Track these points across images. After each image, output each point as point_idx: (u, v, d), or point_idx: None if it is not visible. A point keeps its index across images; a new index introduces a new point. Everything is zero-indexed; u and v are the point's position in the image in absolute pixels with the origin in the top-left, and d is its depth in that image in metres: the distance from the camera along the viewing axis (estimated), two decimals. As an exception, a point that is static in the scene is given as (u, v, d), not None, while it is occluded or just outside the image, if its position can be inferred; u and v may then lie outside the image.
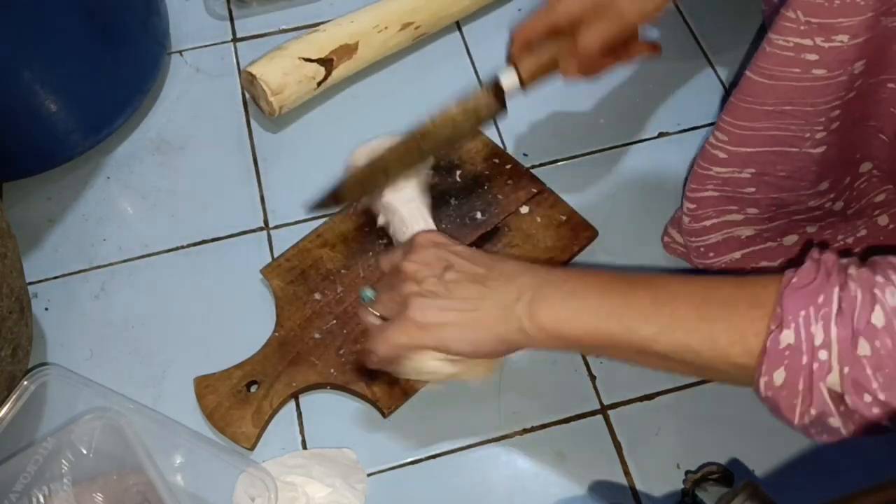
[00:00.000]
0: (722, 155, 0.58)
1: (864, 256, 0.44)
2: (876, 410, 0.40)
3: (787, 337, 0.41)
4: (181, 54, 0.83)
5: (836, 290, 0.41)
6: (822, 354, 0.41)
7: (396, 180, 0.64)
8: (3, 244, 0.57)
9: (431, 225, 0.63)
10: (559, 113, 0.78)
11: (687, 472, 0.58)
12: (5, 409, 0.59)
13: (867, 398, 0.40)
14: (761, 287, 0.44)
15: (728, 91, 0.79)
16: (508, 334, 0.50)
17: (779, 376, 0.42)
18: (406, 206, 0.63)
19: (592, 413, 0.62)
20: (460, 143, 0.67)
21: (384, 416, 0.61)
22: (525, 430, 0.61)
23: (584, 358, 0.64)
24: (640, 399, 0.62)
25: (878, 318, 0.40)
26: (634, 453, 0.60)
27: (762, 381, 0.43)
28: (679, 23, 0.84)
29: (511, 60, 0.66)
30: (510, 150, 0.75)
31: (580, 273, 0.51)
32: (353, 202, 0.67)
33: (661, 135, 0.76)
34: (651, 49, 0.68)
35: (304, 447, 0.61)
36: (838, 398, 0.41)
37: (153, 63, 0.78)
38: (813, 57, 0.50)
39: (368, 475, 0.60)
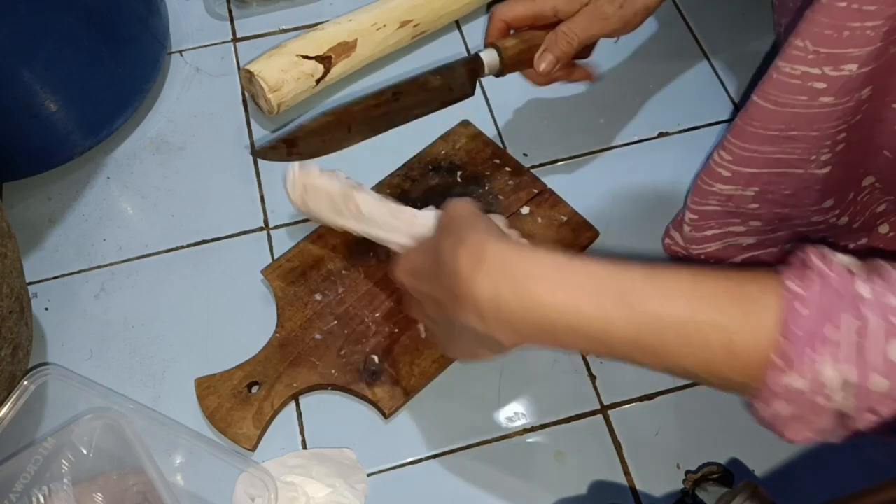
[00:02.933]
0: (726, 173, 0.58)
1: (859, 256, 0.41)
2: (876, 426, 0.39)
3: (795, 381, 0.38)
4: (181, 54, 0.82)
5: (848, 317, 0.38)
6: (833, 394, 0.38)
7: (358, 139, 0.62)
8: (3, 244, 0.57)
9: (406, 227, 0.61)
10: (559, 113, 0.78)
11: (687, 472, 0.58)
12: (5, 409, 0.59)
13: (872, 417, 0.39)
14: (761, 308, 0.39)
15: (727, 91, 0.79)
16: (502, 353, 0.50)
17: (781, 407, 0.40)
18: (379, 220, 0.62)
19: (592, 413, 0.62)
20: (423, 114, 0.65)
21: (385, 416, 0.61)
22: (525, 430, 0.61)
23: (584, 358, 0.64)
24: (640, 399, 0.62)
25: (894, 351, 0.37)
26: (634, 453, 0.60)
27: (759, 405, 0.41)
28: (679, 23, 0.84)
29: (488, 42, 0.67)
30: (510, 150, 0.74)
31: (559, 316, 0.44)
32: (307, 155, 0.63)
33: (661, 135, 0.76)
34: (587, 76, 0.73)
35: (305, 447, 0.61)
36: (841, 418, 0.39)
37: (153, 63, 0.78)
38: (821, 85, 0.50)
39: (368, 475, 0.60)
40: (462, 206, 0.52)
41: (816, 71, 0.49)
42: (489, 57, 0.66)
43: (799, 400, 0.39)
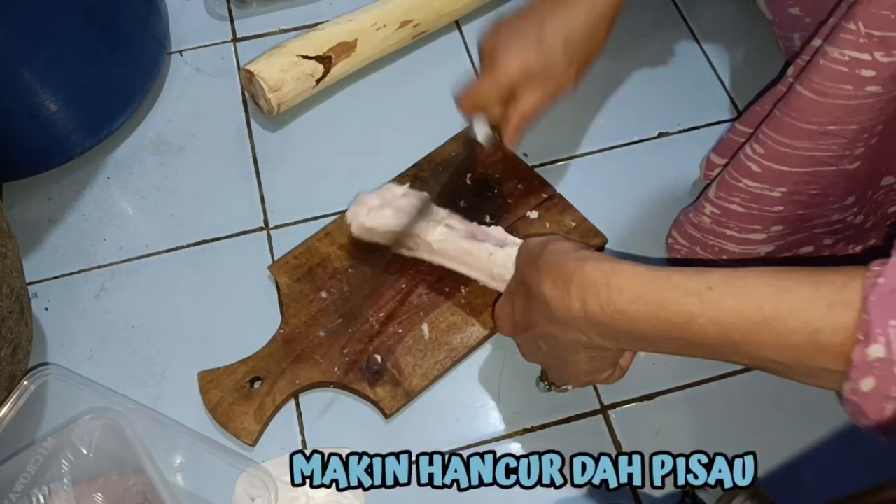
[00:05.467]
0: (756, 168, 0.57)
1: None
2: None
3: (876, 351, 0.38)
4: (181, 54, 0.82)
5: None
6: None
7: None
8: (3, 244, 0.57)
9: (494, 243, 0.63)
10: (559, 113, 0.77)
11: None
12: (5, 409, 0.59)
13: None
14: (844, 293, 0.39)
15: (727, 91, 0.79)
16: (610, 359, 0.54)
17: (867, 384, 0.39)
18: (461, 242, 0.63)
19: (592, 413, 0.62)
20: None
21: (386, 417, 0.61)
22: (525, 430, 0.61)
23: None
24: (640, 399, 0.62)
25: None
26: (635, 453, 0.60)
27: (848, 386, 0.39)
28: (679, 22, 0.84)
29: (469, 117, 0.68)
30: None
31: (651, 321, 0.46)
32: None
33: (661, 135, 0.76)
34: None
35: (305, 447, 0.61)
36: None
37: (153, 63, 0.78)
38: (869, 73, 0.49)
39: (369, 475, 0.59)
40: (533, 241, 0.55)
41: (866, 57, 0.48)
42: (481, 131, 0.67)
43: (880, 371, 0.38)
